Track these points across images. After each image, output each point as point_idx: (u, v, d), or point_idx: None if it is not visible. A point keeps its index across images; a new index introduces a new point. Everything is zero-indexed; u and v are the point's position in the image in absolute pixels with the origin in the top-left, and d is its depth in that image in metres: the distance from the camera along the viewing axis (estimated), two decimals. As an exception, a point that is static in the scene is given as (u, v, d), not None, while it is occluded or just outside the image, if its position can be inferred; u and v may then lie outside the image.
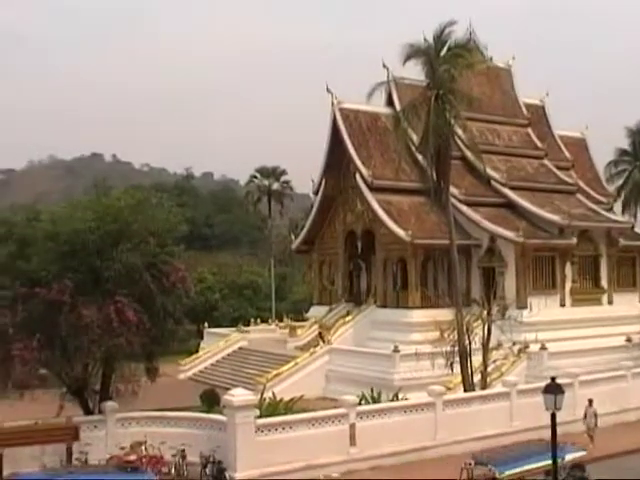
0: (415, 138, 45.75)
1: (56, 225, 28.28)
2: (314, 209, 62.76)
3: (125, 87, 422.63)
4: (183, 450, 27.47)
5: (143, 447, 27.59)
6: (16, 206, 31.51)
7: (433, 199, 48.33)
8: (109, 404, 29.30)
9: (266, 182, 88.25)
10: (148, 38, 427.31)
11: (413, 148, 49.41)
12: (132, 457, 25.97)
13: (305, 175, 65.33)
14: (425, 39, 40.00)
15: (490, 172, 54.90)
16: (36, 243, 27.85)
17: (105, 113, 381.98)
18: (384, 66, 56.85)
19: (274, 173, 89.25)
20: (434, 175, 41.32)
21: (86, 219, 27.94)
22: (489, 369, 39.44)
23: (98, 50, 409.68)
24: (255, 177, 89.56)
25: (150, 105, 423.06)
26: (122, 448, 27.22)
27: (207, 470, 27.19)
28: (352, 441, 29.03)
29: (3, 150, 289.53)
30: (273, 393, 38.59)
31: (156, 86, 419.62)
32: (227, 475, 26.57)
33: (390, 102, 58.44)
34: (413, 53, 40.17)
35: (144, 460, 26.73)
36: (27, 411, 29.43)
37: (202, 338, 63.39)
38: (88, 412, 30.40)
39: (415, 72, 41.96)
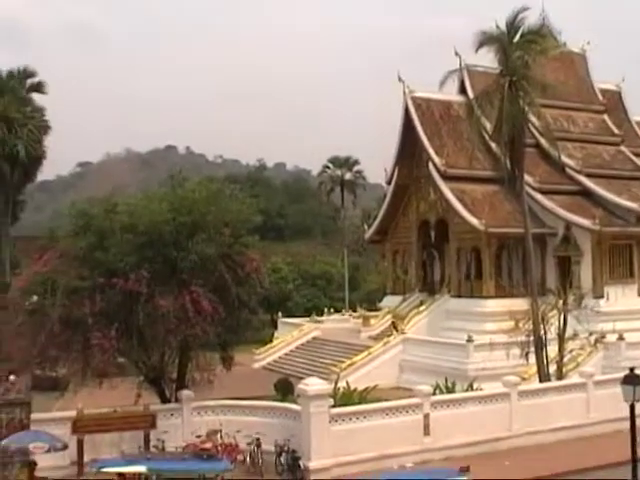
0: (488, 126, 45.19)
1: (133, 217, 28.79)
2: (387, 199, 62.61)
3: (198, 79, 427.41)
4: (258, 439, 27.78)
5: (219, 435, 27.96)
6: (93, 199, 31.95)
7: (507, 187, 47.85)
8: (185, 392, 29.80)
9: (339, 172, 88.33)
10: (221, 34, 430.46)
11: (486, 136, 48.78)
12: (208, 445, 26.32)
13: (378, 165, 65.17)
14: (497, 26, 39.52)
15: (565, 159, 54.04)
16: (114, 235, 28.35)
17: (179, 105, 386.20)
18: (456, 54, 56.30)
19: (347, 163, 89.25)
20: (508, 163, 40.91)
21: (162, 211, 28.38)
22: (565, 359, 38.90)
23: (175, 44, 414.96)
24: (328, 167, 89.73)
25: (222, 97, 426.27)
26: (198, 436, 27.63)
27: (281, 459, 27.48)
28: (426, 431, 28.98)
29: (80, 144, 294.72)
30: (347, 382, 38.64)
31: (229, 78, 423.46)
32: (301, 464, 26.78)
33: (463, 90, 58.00)
34: (486, 40, 39.70)
35: (219, 448, 27.09)
36: (106, 399, 30.18)
37: (276, 328, 63.86)
38: (165, 400, 30.96)
39: (488, 60, 41.41)
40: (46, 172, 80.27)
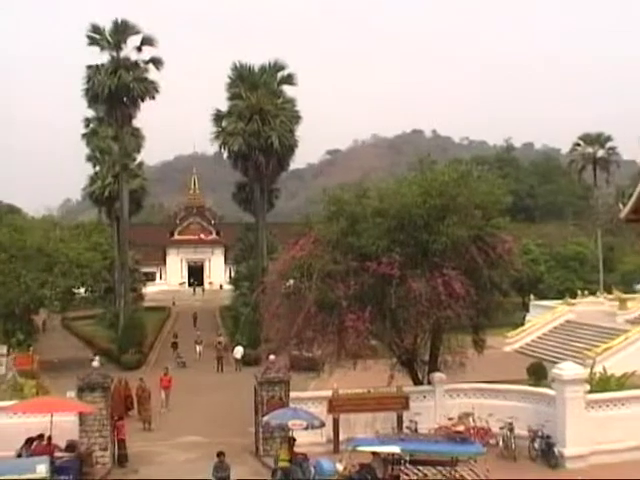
0: None
1: (384, 201, 29.21)
2: (644, 175, 59.20)
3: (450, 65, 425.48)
4: (511, 423, 27.37)
5: (471, 418, 27.85)
6: (344, 184, 32.73)
7: None
8: (437, 375, 29.91)
9: (590, 149, 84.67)
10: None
11: None
12: (460, 428, 26.28)
13: (632, 140, 61.70)
14: None
15: None
16: (365, 219, 28.89)
17: (423, 89, 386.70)
18: None
19: (598, 140, 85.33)
20: None
21: (412, 194, 28.57)
22: None
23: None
24: (578, 145, 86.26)
25: (464, 80, 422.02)
26: (450, 419, 27.67)
27: (535, 444, 26.93)
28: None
29: (329, 132, 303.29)
30: (604, 368, 37.09)
31: (470, 62, 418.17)
32: (556, 450, 26.10)
33: None
34: None
35: (472, 431, 27.02)
36: (359, 380, 30.91)
37: (527, 310, 62.59)
38: (417, 382, 31.24)
39: None
40: (298, 161, 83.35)
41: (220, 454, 22.63)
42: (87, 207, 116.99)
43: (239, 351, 52.34)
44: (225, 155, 66.31)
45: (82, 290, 68.19)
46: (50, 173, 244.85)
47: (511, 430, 27.35)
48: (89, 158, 69.30)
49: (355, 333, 27.68)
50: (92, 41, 60.07)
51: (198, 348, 56.41)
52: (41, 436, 25.33)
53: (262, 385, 28.78)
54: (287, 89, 65.89)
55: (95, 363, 29.58)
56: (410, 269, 27.72)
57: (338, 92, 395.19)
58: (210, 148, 79.96)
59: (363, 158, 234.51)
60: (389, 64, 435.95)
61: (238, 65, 64.93)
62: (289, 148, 64.44)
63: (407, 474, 21.37)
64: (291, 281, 29.53)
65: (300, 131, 65.19)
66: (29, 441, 25.11)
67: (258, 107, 62.33)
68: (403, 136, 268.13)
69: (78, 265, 56.29)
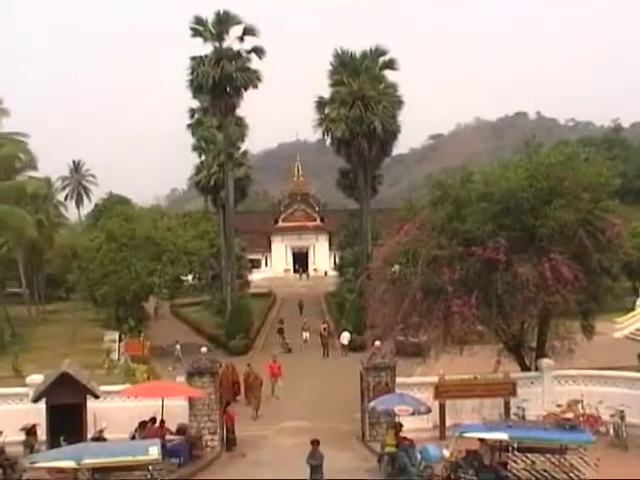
0: None
1: (489, 185, 28.83)
2: None
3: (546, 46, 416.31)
4: (622, 411, 26.69)
5: (580, 406, 27.30)
6: (448, 169, 32.48)
7: None
8: (545, 361, 29.42)
9: None
10: None
11: None
12: (569, 415, 25.83)
13: None
14: None
15: None
16: (470, 204, 28.61)
17: (526, 71, 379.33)
18: None
19: None
20: None
21: (518, 177, 28.10)
22: None
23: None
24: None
25: (571, 61, 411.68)
26: (558, 405, 27.20)
27: (653, 432, 26.25)
28: None
29: (432, 117, 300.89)
30: None
31: (576, 42, 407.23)
32: (671, 439, 25.41)
33: None
34: None
35: (581, 419, 26.45)
36: (465, 365, 30.69)
37: (638, 295, 60.77)
38: (524, 368, 30.82)
39: None
40: (400, 146, 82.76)
41: (314, 442, 22.76)
42: (193, 196, 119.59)
43: (345, 337, 52.61)
44: (328, 142, 66.47)
45: (190, 277, 69.77)
46: (157, 164, 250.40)
47: (622, 418, 26.65)
48: (195, 148, 70.63)
49: (461, 319, 27.49)
50: (195, 33, 61.08)
51: (305, 335, 56.82)
52: (153, 419, 26.10)
53: (368, 371, 28.86)
54: (389, 74, 65.50)
55: (203, 349, 30.26)
56: (516, 254, 27.32)
57: (440, 76, 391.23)
58: (313, 135, 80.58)
59: (466, 142, 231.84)
60: (491, 46, 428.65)
61: (340, 51, 64.98)
62: (392, 133, 64.17)
63: (515, 461, 21.12)
64: (396, 267, 29.49)
65: (402, 116, 64.84)
66: (142, 424, 25.89)
67: (360, 93, 62.28)
68: (506, 119, 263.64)
69: (186, 253, 57.60)
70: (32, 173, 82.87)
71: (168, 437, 25.67)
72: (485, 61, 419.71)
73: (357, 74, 63.84)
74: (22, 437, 25.48)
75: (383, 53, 65.06)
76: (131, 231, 56.60)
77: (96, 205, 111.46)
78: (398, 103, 64.39)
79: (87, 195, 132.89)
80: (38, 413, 25.74)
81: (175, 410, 27.11)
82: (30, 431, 25.69)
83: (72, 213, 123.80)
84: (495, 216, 27.93)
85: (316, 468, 22.10)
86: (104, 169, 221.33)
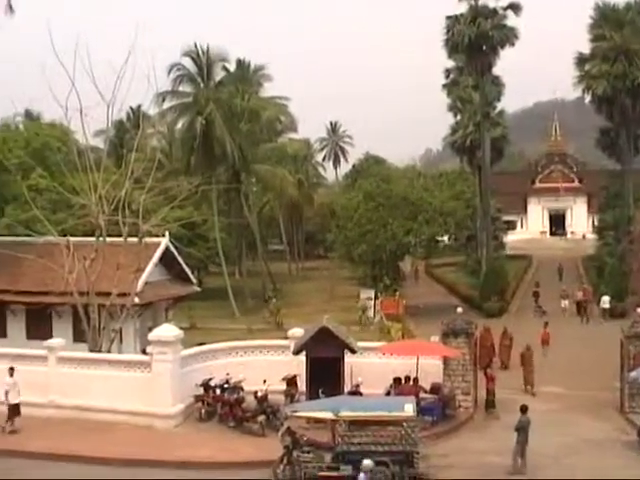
0: None
1: None
2: None
3: None
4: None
5: None
6: None
7: None
8: None
9: None
10: None
11: None
12: None
13: None
14: None
15: None
16: None
17: None
18: None
19: None
20: None
21: None
22: None
23: None
24: None
25: None
26: None
27: None
28: None
29: None
30: None
31: None
32: None
33: None
34: None
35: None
36: None
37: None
38: None
39: None
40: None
41: (522, 408, 22.22)
42: (447, 156, 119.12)
43: (606, 301, 50.43)
44: (588, 100, 64.20)
45: (445, 238, 69.98)
46: (412, 123, 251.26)
47: None
48: (450, 108, 70.56)
49: None
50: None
51: (563, 303, 54.53)
52: (407, 377, 26.55)
53: (629, 339, 27.67)
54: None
55: (459, 309, 30.30)
56: None
57: None
58: (571, 93, 77.75)
59: None
60: None
61: (601, 4, 62.15)
62: (656, 90, 60.61)
63: None
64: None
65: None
66: (396, 381, 26.42)
67: (624, 47, 59.24)
68: None
69: (441, 213, 57.83)
70: (292, 135, 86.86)
71: (421, 395, 26.00)
72: None
73: (620, 27, 60.85)
74: (283, 387, 26.90)
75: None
76: (388, 191, 57.56)
77: (353, 166, 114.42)
78: (665, 57, 60.56)
79: (344, 156, 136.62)
80: (298, 365, 26.91)
81: (429, 369, 27.37)
82: (291, 381, 27.05)
83: (329, 173, 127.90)
84: None
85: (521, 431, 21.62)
86: (359, 130, 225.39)
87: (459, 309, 30.35)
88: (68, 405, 26.40)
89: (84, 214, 33.89)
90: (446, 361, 27.76)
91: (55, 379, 26.83)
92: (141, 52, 30.67)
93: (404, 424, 19.88)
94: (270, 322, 50.70)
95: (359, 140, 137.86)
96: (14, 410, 25.19)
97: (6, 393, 25.10)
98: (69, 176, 35.97)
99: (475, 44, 59.48)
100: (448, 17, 60.81)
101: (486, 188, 63.31)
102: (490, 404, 28.12)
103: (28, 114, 69.25)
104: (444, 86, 71.64)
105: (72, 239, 33.01)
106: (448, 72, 71.42)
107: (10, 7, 38.99)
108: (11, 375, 25.54)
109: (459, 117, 70.04)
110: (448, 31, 60.77)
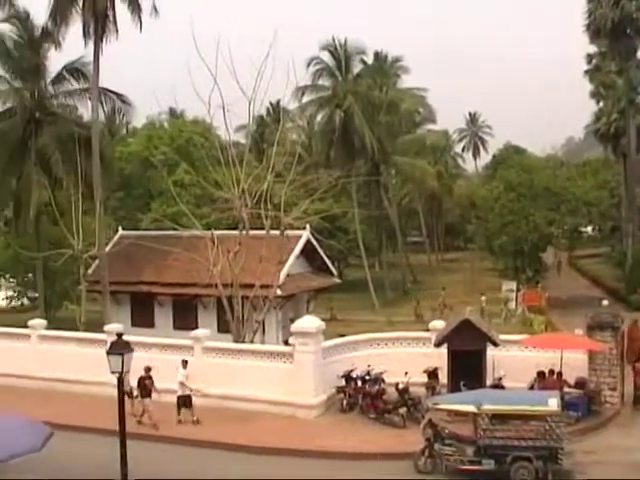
0: None
1: None
2: None
3: None
4: None
5: None
6: None
7: None
8: None
9: None
10: None
11: None
12: None
13: None
14: None
15: None
16: None
17: None
18: None
19: None
20: None
21: None
22: None
23: None
24: None
25: None
26: None
27: None
28: None
29: None
30: None
31: None
32: None
33: None
34: None
35: None
36: None
37: None
38: None
39: None
40: None
41: None
42: (590, 145, 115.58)
43: None
44: None
45: (588, 229, 68.15)
46: (552, 113, 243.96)
47: None
48: (593, 95, 68.36)
49: None
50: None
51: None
52: (551, 371, 26.04)
53: None
54: None
55: (604, 302, 29.52)
56: None
57: None
58: None
59: None
60: None
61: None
62: None
63: None
64: None
65: None
66: (540, 374, 25.94)
67: None
68: None
69: (585, 203, 56.45)
70: (431, 126, 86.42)
71: (566, 390, 25.46)
72: None
73: None
74: (424, 379, 26.91)
75: None
76: (529, 181, 56.49)
77: (494, 156, 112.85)
78: None
79: (483, 146, 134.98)
80: (440, 357, 26.79)
81: (574, 363, 26.73)
82: (432, 374, 27.03)
83: (469, 164, 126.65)
84: None
85: None
86: (498, 120, 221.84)
87: (605, 302, 29.61)
88: (212, 394, 27.13)
89: (227, 208, 34.78)
90: (592, 355, 26.99)
91: (200, 369, 27.63)
92: (281, 47, 31.17)
93: (548, 419, 19.57)
94: (442, 312, 49.04)
95: (499, 130, 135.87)
96: (185, 401, 26.00)
97: (181, 384, 26.02)
98: (212, 171, 36.86)
99: (619, 27, 57.48)
100: (590, 1, 59.03)
101: (632, 176, 61.14)
102: (638, 400, 27.24)
103: (172, 112, 71.55)
104: (586, 72, 69.43)
105: (216, 232, 33.88)
106: (590, 58, 69.10)
107: (155, 9, 40.34)
108: (184, 367, 26.43)
109: (602, 104, 67.86)
110: (590, 15, 59.01)
